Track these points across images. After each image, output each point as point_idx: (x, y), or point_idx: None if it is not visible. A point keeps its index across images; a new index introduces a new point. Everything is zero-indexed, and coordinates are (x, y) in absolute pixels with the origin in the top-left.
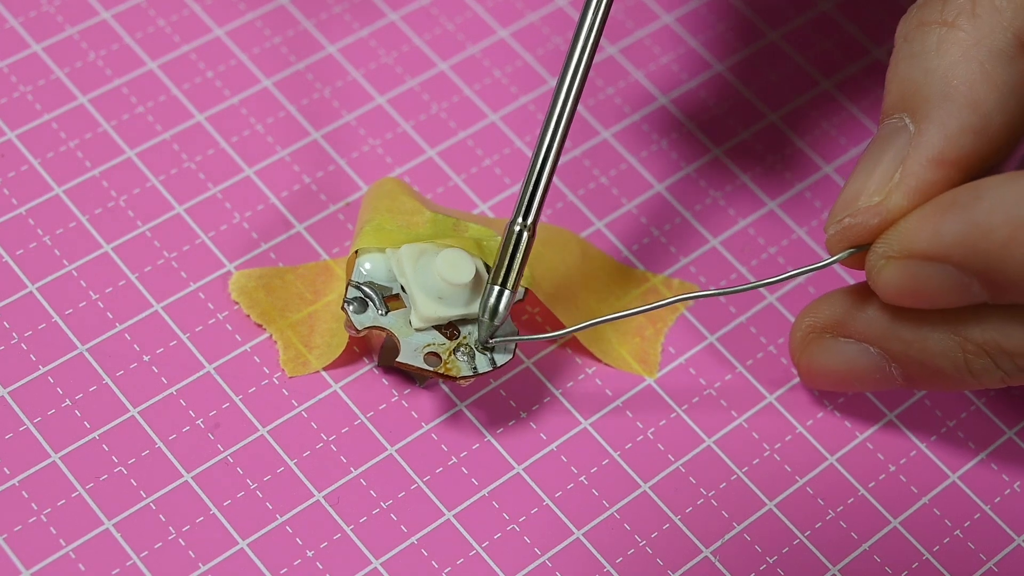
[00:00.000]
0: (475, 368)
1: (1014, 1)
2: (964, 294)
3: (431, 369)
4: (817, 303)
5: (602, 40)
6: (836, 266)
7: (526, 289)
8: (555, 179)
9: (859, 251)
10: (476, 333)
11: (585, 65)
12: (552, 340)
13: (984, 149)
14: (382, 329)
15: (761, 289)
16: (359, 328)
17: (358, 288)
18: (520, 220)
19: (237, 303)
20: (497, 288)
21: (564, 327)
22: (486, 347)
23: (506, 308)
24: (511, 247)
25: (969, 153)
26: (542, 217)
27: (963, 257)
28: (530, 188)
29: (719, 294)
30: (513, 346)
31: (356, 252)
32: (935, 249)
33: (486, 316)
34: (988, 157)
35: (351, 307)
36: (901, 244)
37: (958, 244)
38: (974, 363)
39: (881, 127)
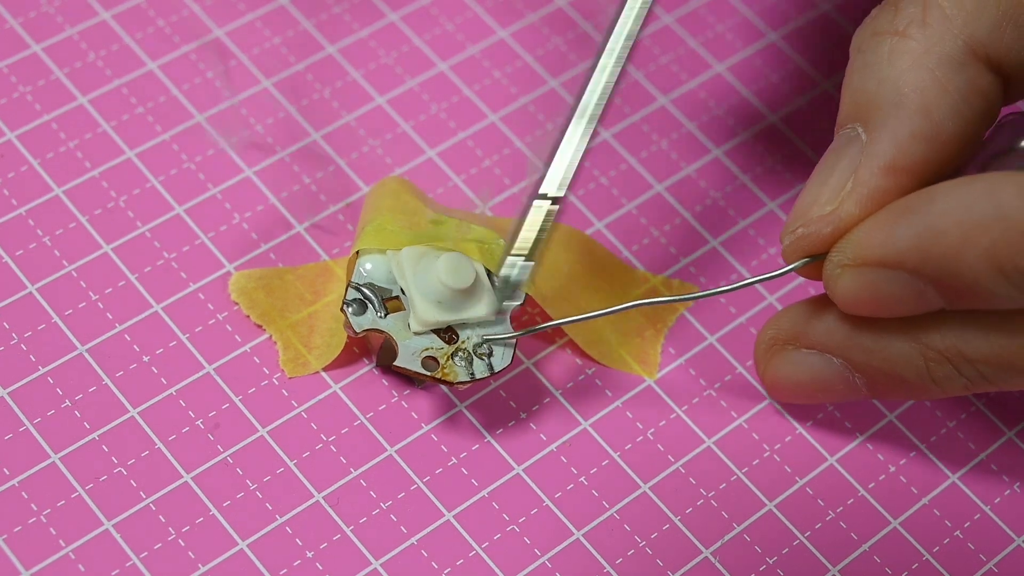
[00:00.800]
0: (472, 374)
1: (964, 9)
2: (920, 301)
3: (428, 374)
4: (779, 315)
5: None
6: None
7: (525, 293)
8: None
9: (815, 260)
10: (475, 338)
11: (634, 30)
12: (552, 341)
13: (936, 156)
14: (381, 332)
15: (761, 289)
16: (357, 330)
17: (358, 289)
18: (556, 192)
19: (237, 303)
20: (523, 261)
21: (562, 328)
22: (490, 337)
23: (526, 283)
24: (542, 221)
25: (921, 160)
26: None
27: (917, 263)
28: (569, 158)
29: (676, 300)
30: (512, 351)
31: (357, 253)
32: (889, 256)
33: (506, 288)
34: (941, 164)
35: (350, 309)
36: (855, 252)
37: (911, 249)
38: (936, 371)
39: (836, 138)
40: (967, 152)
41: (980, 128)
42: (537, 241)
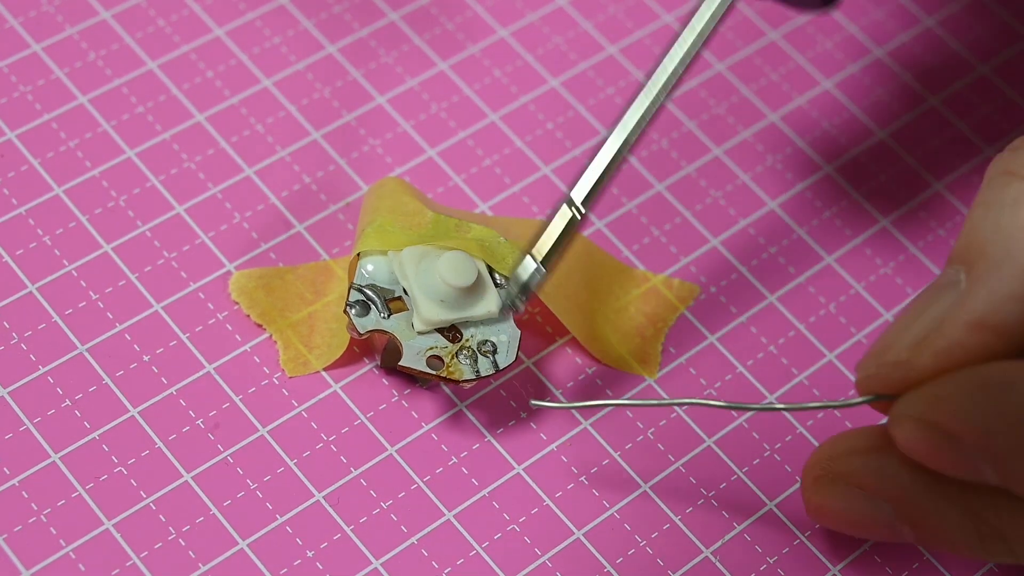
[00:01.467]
0: (477, 371)
1: None
2: (977, 474)
3: (434, 373)
4: (837, 441)
5: (602, 40)
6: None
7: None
8: (555, 178)
9: (886, 399)
10: (479, 335)
11: (688, 57)
12: (553, 340)
13: None
14: (384, 332)
15: (761, 289)
16: (361, 331)
17: (360, 291)
18: (582, 205)
19: (237, 303)
20: (536, 265)
21: (563, 326)
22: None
23: (535, 287)
24: (564, 229)
25: (1013, 323)
26: (542, 215)
27: (982, 446)
28: (600, 171)
29: (727, 407)
30: (516, 348)
31: (358, 255)
32: (953, 426)
33: (516, 289)
34: None
35: (353, 310)
36: (922, 409)
37: (979, 432)
38: (991, 546)
39: (941, 273)
40: None
41: None
42: (554, 248)
